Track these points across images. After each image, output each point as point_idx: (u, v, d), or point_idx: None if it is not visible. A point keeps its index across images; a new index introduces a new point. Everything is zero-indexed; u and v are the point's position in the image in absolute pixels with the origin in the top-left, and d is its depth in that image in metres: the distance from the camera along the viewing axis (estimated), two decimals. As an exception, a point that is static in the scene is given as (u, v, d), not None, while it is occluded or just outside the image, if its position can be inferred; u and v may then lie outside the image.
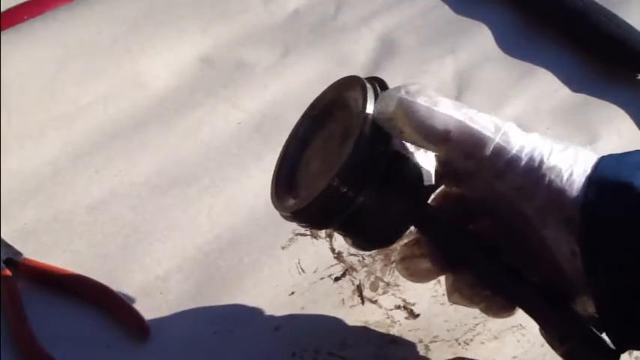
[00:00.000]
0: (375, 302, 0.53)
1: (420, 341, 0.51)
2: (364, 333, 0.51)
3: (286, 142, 0.49)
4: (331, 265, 0.55)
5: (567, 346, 0.45)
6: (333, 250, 0.55)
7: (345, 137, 0.44)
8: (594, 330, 0.45)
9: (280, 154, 0.50)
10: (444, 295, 0.53)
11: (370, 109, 0.43)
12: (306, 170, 0.48)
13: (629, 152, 0.43)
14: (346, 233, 0.47)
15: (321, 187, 0.43)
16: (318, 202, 0.44)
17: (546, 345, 0.51)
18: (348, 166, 0.42)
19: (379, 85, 0.46)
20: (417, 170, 0.44)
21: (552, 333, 0.46)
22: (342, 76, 0.47)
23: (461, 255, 0.46)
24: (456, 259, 0.46)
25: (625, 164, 0.42)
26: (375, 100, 0.44)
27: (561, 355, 0.45)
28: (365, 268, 0.54)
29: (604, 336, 0.45)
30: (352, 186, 0.43)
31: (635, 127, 0.66)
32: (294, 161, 0.49)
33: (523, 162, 0.42)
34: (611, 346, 0.44)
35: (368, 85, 0.45)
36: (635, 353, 0.51)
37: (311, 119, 0.48)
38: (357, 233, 0.46)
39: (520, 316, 0.51)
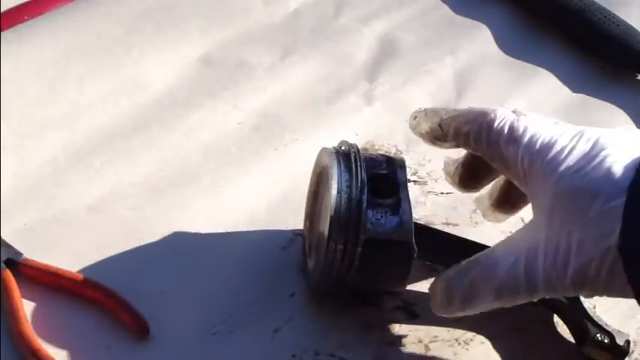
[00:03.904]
0: (375, 303, 0.53)
1: (420, 341, 0.51)
2: (364, 334, 0.51)
3: (307, 193, 0.54)
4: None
5: (582, 347, 0.49)
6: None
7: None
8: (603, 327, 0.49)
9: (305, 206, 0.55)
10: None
11: (333, 203, 0.47)
12: (317, 229, 0.52)
13: None
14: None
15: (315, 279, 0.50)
16: (320, 283, 0.50)
17: (546, 345, 0.51)
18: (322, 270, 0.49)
19: (354, 154, 0.50)
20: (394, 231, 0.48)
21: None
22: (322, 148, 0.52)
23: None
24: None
25: None
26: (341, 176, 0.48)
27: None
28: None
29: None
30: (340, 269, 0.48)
31: (634, 127, 0.66)
32: (312, 216, 0.54)
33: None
34: (620, 343, 0.48)
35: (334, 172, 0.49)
36: (635, 354, 0.51)
37: (316, 176, 0.53)
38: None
39: (519, 317, 0.52)
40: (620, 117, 0.66)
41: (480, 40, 0.71)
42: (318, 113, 0.64)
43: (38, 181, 0.58)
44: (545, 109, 0.67)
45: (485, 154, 0.47)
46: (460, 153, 0.52)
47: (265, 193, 0.59)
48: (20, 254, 0.53)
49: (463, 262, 0.47)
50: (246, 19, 0.71)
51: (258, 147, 0.61)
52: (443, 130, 0.48)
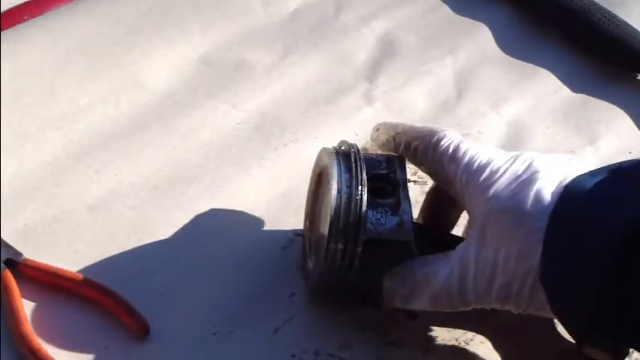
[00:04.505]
0: (375, 303, 0.53)
1: (420, 341, 0.51)
2: (364, 334, 0.51)
3: (307, 193, 0.54)
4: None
5: (581, 347, 0.48)
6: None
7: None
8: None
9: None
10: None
11: (334, 203, 0.47)
12: (317, 229, 0.52)
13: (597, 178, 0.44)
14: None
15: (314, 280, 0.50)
16: (320, 284, 0.50)
17: (546, 345, 0.51)
18: (322, 276, 0.49)
19: (354, 154, 0.50)
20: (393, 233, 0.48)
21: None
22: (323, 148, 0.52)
23: None
24: None
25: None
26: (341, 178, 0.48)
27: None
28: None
29: None
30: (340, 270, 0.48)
31: (635, 127, 0.66)
32: (312, 216, 0.54)
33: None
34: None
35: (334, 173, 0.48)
36: (636, 354, 0.51)
37: (316, 176, 0.53)
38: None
39: (520, 317, 0.52)
40: (620, 117, 0.66)
41: (479, 40, 0.71)
42: (318, 113, 0.64)
43: (38, 181, 0.58)
44: (545, 109, 0.67)
45: (430, 170, 0.50)
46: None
47: (265, 193, 0.59)
48: (20, 254, 0.53)
49: (410, 262, 0.48)
50: (246, 18, 0.71)
51: (258, 147, 0.61)
52: (395, 143, 0.51)
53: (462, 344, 0.51)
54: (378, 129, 0.54)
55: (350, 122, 0.64)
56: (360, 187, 0.47)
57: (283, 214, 0.57)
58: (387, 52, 0.69)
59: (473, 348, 0.51)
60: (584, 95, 0.68)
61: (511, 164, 0.46)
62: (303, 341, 0.51)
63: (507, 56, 0.70)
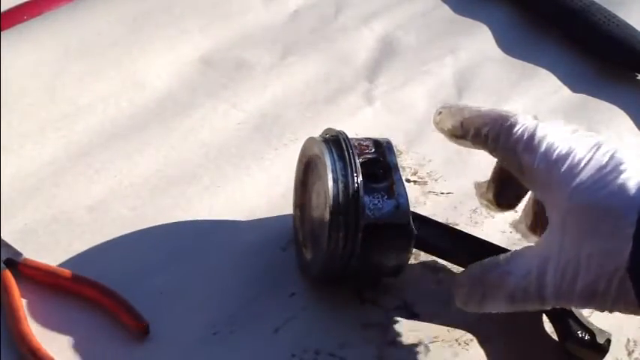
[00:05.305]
0: (375, 302, 0.53)
1: (420, 342, 0.51)
2: (364, 333, 0.51)
3: (294, 183, 0.55)
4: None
5: (564, 343, 0.49)
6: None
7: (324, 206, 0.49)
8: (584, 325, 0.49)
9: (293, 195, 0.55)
10: (443, 295, 0.53)
11: (330, 197, 0.48)
12: (311, 218, 0.52)
13: None
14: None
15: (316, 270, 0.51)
16: (322, 275, 0.51)
17: (547, 347, 0.51)
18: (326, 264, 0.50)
19: (344, 141, 0.50)
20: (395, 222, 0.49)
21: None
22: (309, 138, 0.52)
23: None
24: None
25: None
26: (335, 173, 0.48)
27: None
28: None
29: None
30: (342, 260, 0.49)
31: (635, 127, 0.66)
32: (302, 205, 0.54)
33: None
34: (600, 341, 0.48)
35: (328, 165, 0.49)
36: (635, 354, 0.51)
37: (303, 165, 0.53)
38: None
39: (520, 318, 0.52)
40: (620, 117, 0.66)
41: (480, 40, 0.71)
42: (318, 113, 0.64)
43: (38, 181, 0.58)
44: (545, 109, 0.67)
45: (502, 157, 0.47)
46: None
47: (265, 193, 0.59)
48: (20, 254, 0.53)
49: (485, 261, 0.47)
50: (246, 18, 0.71)
51: (258, 147, 0.61)
52: (464, 129, 0.48)
53: (462, 344, 0.51)
54: (440, 112, 0.50)
55: (350, 122, 0.64)
56: (355, 175, 0.48)
57: (283, 214, 0.57)
58: (387, 52, 0.70)
59: (473, 348, 0.51)
60: (584, 95, 0.68)
61: (594, 154, 0.43)
62: (303, 341, 0.51)
63: (507, 56, 0.70)
